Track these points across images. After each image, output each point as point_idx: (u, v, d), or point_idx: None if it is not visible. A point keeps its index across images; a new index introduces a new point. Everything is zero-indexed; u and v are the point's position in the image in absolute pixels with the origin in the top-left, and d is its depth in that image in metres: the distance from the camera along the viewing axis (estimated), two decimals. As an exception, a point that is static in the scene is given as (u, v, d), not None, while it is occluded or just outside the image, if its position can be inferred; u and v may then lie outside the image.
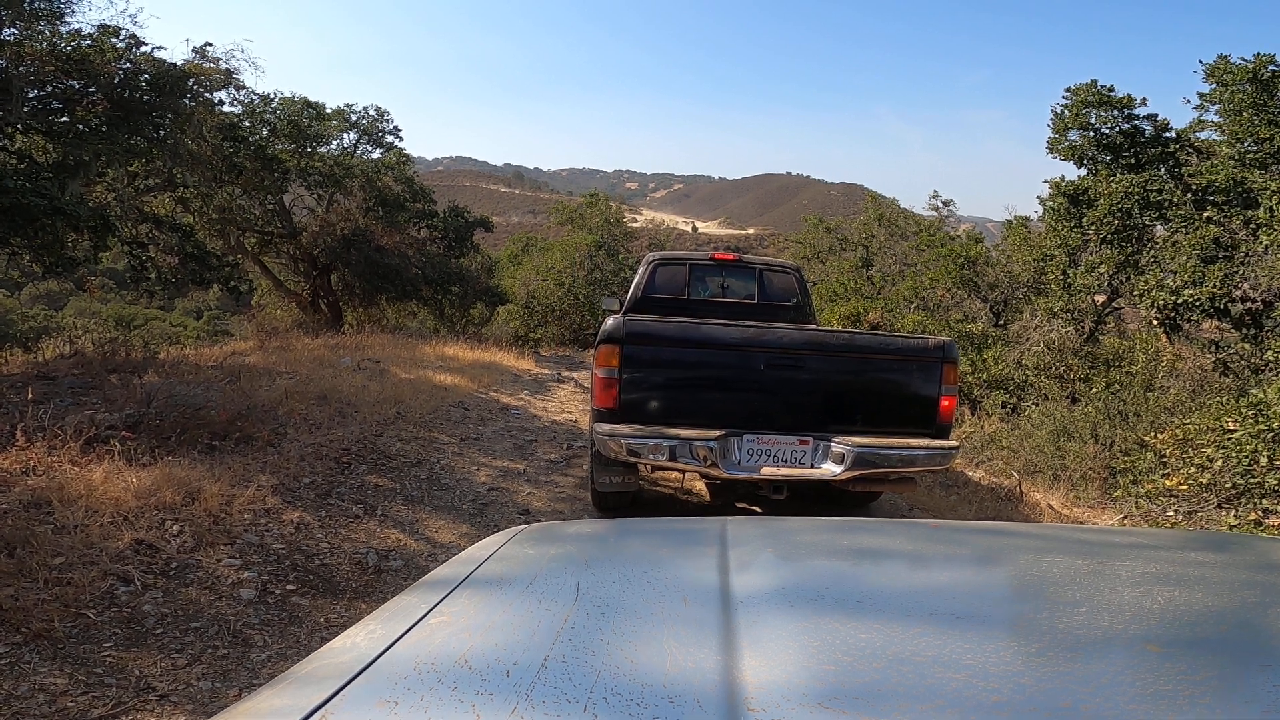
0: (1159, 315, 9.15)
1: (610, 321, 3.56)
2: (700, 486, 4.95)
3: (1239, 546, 1.17)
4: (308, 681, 0.60)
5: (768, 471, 3.48)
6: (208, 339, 17.71)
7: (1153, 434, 6.00)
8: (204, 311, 35.31)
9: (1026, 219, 14.31)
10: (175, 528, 3.11)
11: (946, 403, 3.64)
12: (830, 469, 3.48)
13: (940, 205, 18.61)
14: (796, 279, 5.93)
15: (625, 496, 4.04)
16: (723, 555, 0.91)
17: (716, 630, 0.66)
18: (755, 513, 4.55)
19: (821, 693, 0.53)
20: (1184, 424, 5.61)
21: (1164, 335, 9.41)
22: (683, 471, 3.68)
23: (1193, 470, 5.04)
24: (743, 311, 5.56)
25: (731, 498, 4.65)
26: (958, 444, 3.85)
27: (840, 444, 3.47)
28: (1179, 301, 8.68)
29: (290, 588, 2.97)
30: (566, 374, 10.99)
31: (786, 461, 3.51)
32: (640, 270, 5.85)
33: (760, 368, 3.55)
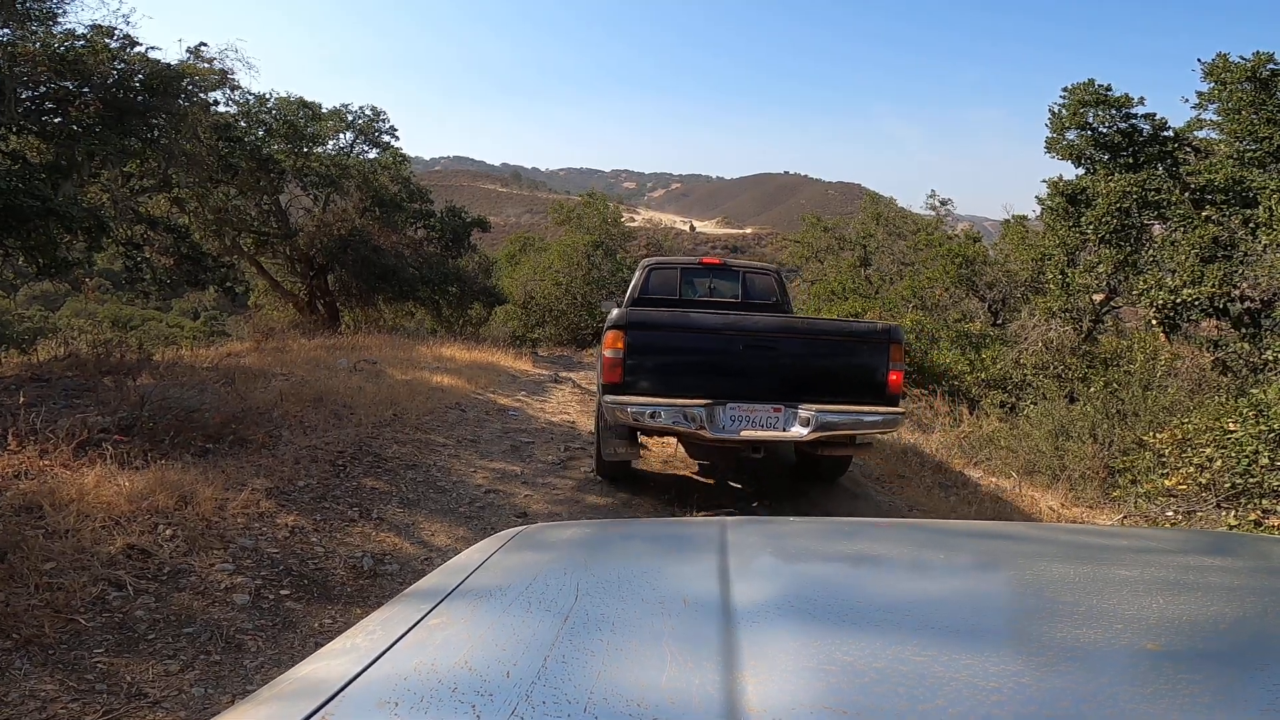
0: (1158, 314, 9.16)
1: (615, 311, 4.21)
2: (689, 464, 5.58)
3: (1239, 546, 1.18)
4: (308, 683, 0.61)
5: (747, 434, 4.11)
6: (204, 340, 17.66)
7: (1151, 433, 5.99)
8: (201, 312, 35.19)
9: (1025, 218, 14.36)
10: (168, 532, 3.09)
11: (894, 377, 4.28)
12: (798, 431, 4.14)
13: (938, 204, 18.68)
14: (776, 280, 6.51)
15: (626, 465, 4.81)
16: (722, 559, 0.91)
17: (716, 634, 0.66)
18: (741, 490, 5.06)
19: (822, 695, 0.54)
20: (1183, 423, 5.60)
21: (1163, 334, 9.43)
22: (676, 434, 4.38)
23: (1192, 470, 5.03)
24: (728, 310, 6.01)
25: (717, 460, 5.41)
26: (904, 410, 4.59)
27: (806, 410, 4.13)
28: (1178, 301, 8.69)
29: (284, 592, 2.95)
30: (564, 375, 10.97)
31: (762, 425, 4.14)
32: (637, 274, 6.44)
33: (740, 349, 4.17)
